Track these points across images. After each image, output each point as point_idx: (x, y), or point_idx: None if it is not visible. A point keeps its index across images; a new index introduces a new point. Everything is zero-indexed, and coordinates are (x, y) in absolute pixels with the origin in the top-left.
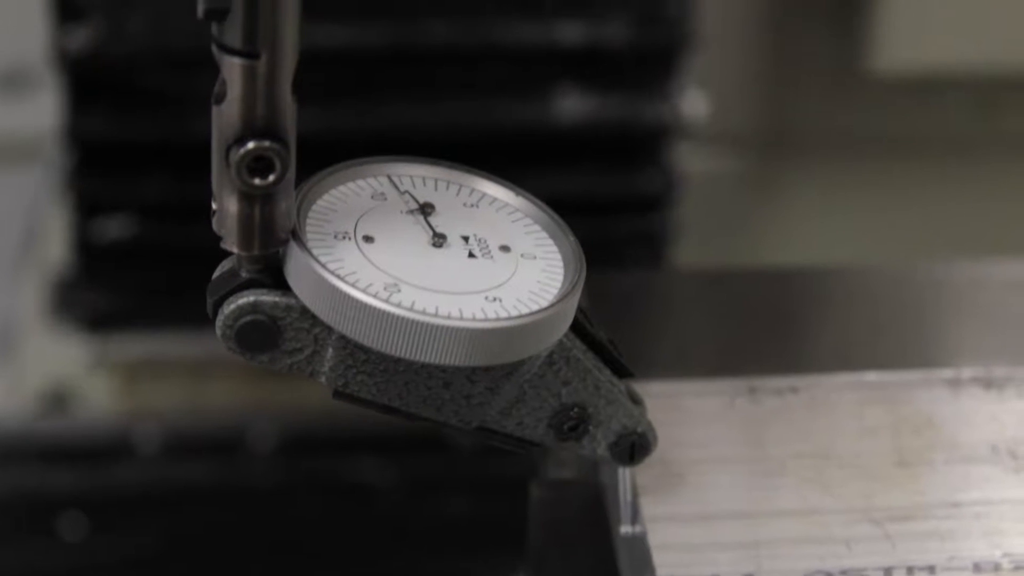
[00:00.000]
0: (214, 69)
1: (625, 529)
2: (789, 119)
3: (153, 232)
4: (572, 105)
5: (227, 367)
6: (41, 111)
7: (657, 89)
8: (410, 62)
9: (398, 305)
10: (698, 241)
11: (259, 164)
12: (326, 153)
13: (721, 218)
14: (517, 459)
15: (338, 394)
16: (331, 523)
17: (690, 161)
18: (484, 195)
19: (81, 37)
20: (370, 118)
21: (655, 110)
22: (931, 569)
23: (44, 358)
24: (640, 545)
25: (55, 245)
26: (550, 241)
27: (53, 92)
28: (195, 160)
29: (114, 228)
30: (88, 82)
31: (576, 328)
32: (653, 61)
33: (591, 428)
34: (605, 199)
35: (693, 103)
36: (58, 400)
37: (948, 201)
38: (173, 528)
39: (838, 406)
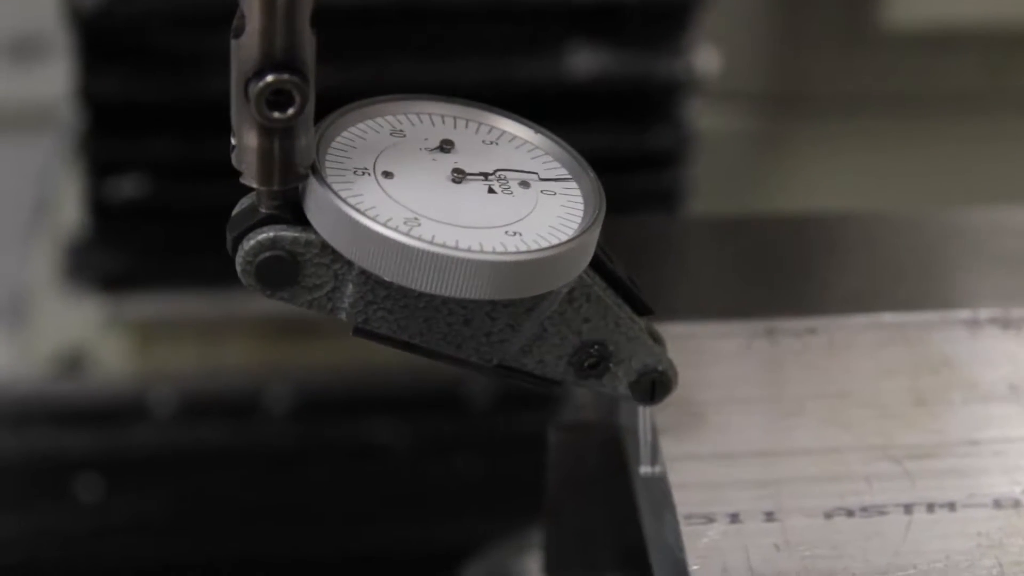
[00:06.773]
0: (226, 27)
1: (645, 469)
2: (801, 75)
3: (167, 191)
4: (584, 61)
5: (242, 328)
6: (52, 78)
7: (669, 45)
8: (422, 20)
9: (419, 238)
10: (710, 197)
11: (278, 97)
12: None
13: (733, 174)
14: (531, 417)
15: (358, 331)
16: (346, 484)
17: (702, 117)
18: (503, 132)
19: None
20: (382, 76)
21: (667, 66)
22: (951, 506)
23: (58, 321)
24: (660, 485)
25: (68, 208)
26: (570, 178)
27: (64, 58)
28: (208, 119)
29: (128, 188)
30: (101, 43)
31: (596, 265)
32: (665, 17)
33: (611, 366)
34: (617, 155)
35: (705, 59)
36: (73, 362)
37: (960, 156)
38: (189, 489)
39: (856, 347)
